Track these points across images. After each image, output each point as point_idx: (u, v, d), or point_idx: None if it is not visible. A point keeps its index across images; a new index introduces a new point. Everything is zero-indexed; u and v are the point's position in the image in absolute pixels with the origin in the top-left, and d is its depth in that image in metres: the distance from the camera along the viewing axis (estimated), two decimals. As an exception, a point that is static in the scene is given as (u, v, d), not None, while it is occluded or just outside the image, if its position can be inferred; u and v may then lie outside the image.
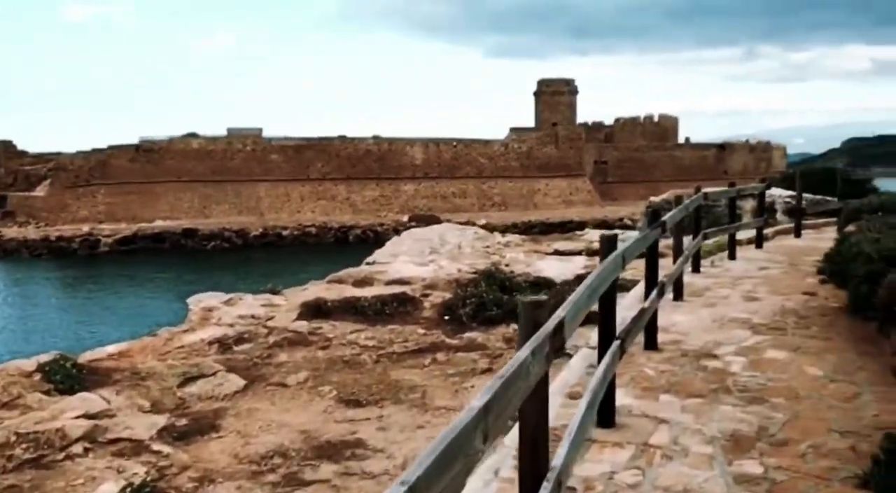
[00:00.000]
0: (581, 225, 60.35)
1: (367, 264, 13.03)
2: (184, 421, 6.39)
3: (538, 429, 2.90)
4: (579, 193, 68.11)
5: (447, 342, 10.22)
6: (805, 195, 19.19)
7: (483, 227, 62.33)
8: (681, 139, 79.51)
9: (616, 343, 4.77)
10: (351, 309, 10.45)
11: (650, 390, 5.77)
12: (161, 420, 6.29)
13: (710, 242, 12.44)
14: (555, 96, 68.18)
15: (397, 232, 56.23)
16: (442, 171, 64.08)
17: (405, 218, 58.22)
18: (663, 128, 78.30)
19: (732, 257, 12.27)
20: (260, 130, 62.15)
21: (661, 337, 7.16)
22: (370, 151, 62.86)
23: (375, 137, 64.05)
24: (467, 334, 10.56)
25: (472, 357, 9.82)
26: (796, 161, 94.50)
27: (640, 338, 6.77)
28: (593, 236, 13.89)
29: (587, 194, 68.55)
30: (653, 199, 22.95)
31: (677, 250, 8.67)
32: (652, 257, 6.74)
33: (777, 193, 18.09)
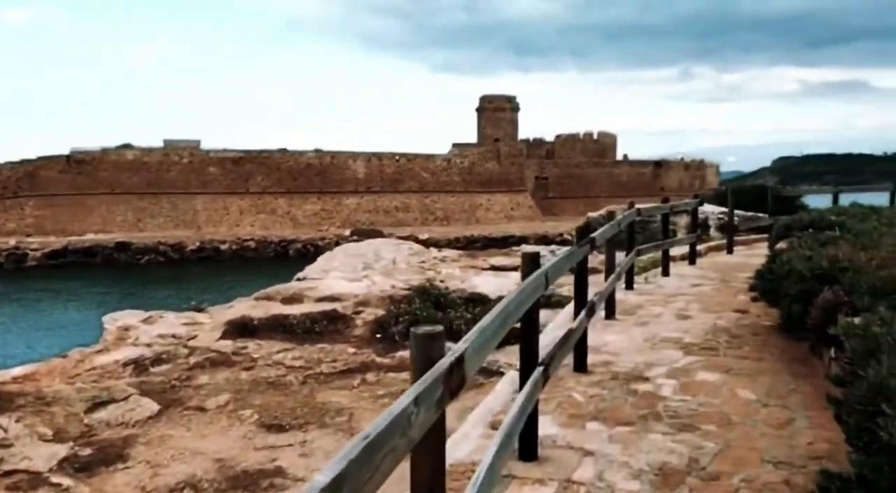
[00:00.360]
0: (522, 240, 60.83)
1: (298, 279, 12.68)
2: (88, 451, 5.97)
3: (433, 487, 2.52)
4: (520, 208, 68.62)
5: (378, 362, 9.98)
6: (737, 212, 19.58)
7: (425, 241, 62.28)
8: (619, 156, 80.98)
9: (539, 370, 4.50)
10: (279, 327, 10.10)
11: (577, 418, 5.53)
12: (63, 450, 5.87)
13: (644, 257, 12.49)
14: (497, 113, 68.68)
15: (339, 246, 55.34)
16: (384, 185, 63.79)
17: (347, 232, 57.66)
18: (602, 145, 79.66)
19: (666, 273, 12.28)
20: (198, 141, 60.85)
21: (591, 358, 6.99)
22: (312, 164, 62.17)
23: (317, 151, 63.40)
24: (399, 353, 10.33)
25: (403, 377, 9.58)
26: (729, 178, 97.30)
27: (570, 359, 6.59)
28: (529, 251, 13.85)
29: (528, 209, 69.12)
30: (591, 214, 23.11)
31: (609, 267, 8.59)
32: (581, 275, 6.59)
33: (710, 210, 18.38)
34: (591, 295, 7.10)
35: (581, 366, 6.75)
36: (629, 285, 10.90)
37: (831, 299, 5.65)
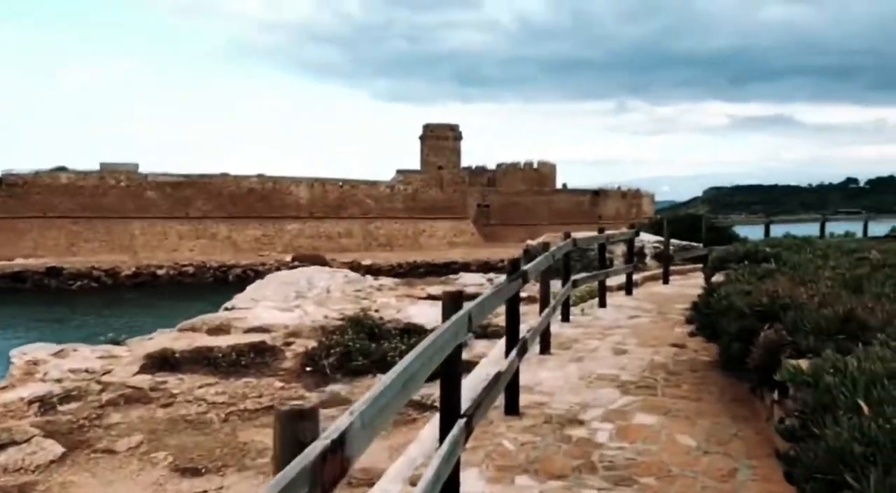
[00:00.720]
0: (464, 266, 60.88)
1: (227, 309, 12.25)
2: (-22, 500, 5.51)
3: None
4: (463, 235, 68.79)
5: (307, 397, 9.63)
6: (672, 241, 19.83)
7: (368, 267, 61.63)
8: (559, 185, 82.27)
9: (460, 424, 4.06)
10: (202, 360, 9.67)
11: (507, 471, 5.13)
12: (-51, 500, 5.39)
13: (581, 287, 12.39)
14: (440, 141, 69.03)
15: (271, 274, 54.34)
16: (327, 211, 63.20)
17: (288, 257, 56.79)
18: (542, 174, 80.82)
19: (603, 304, 12.21)
20: (136, 165, 59.43)
21: (524, 398, 6.69)
22: (254, 189, 61.27)
23: (260, 175, 62.55)
24: (330, 387, 10.00)
25: (332, 414, 9.26)
26: (663, 207, 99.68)
27: (501, 400, 6.24)
28: (468, 280, 13.68)
29: (470, 236, 69.33)
30: (529, 242, 23.17)
31: (544, 300, 8.43)
32: (512, 311, 6.39)
33: (646, 239, 18.56)
34: (523, 331, 6.88)
35: (513, 408, 6.40)
36: (565, 317, 10.77)
37: (774, 340, 5.47)
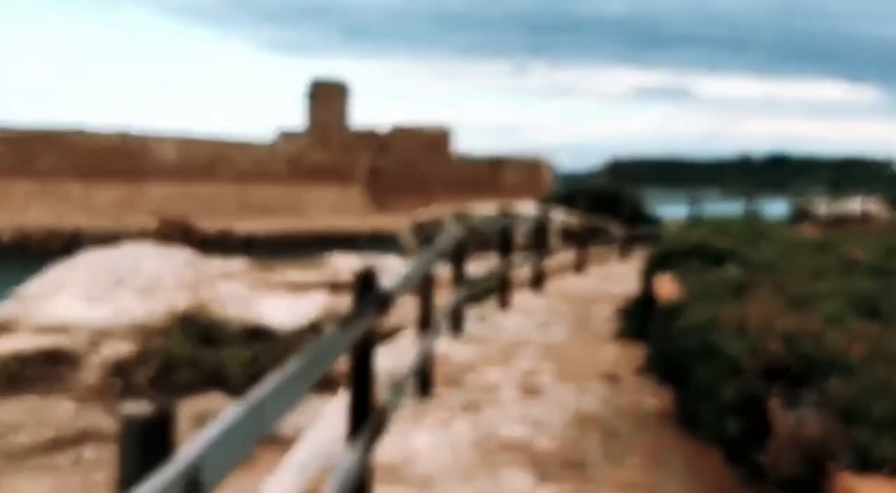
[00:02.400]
0: (353, 237, 57.74)
1: (14, 299, 8.96)
2: None
3: None
4: (351, 202, 65.40)
5: (105, 426, 7.08)
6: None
7: (245, 238, 57.53)
8: (456, 149, 79.52)
9: None
10: (-38, 374, 6.67)
11: None
12: None
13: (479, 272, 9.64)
14: (328, 99, 65.13)
15: (144, 239, 49.89)
16: (198, 172, 58.03)
17: (153, 223, 51.88)
18: (437, 139, 77.75)
19: (505, 305, 9.53)
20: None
21: (383, 493, 3.93)
22: (114, 145, 55.38)
23: (121, 131, 56.70)
24: (141, 413, 7.08)
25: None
26: (564, 177, 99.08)
27: None
28: (341, 264, 10.84)
29: (359, 204, 66.04)
30: (420, 213, 20.50)
31: (424, 320, 5.66)
32: (360, 369, 3.50)
33: (552, 216, 16.16)
34: (383, 392, 4.27)
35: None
36: (457, 327, 8.03)
37: (819, 439, 2.98)
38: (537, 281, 10.90)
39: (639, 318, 7.62)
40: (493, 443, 4.99)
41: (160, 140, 57.16)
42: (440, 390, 6.05)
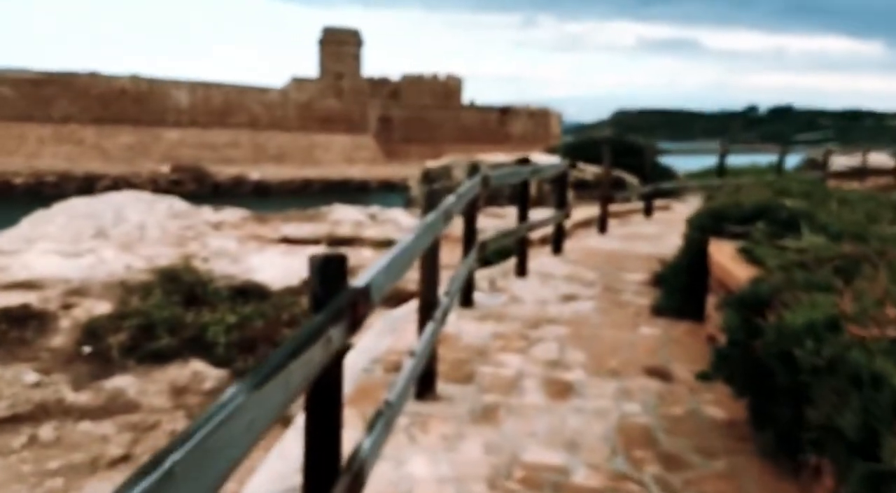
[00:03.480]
0: (363, 185, 57.15)
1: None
2: None
3: None
4: (362, 150, 64.63)
5: (69, 401, 6.45)
6: (593, 170, 16.98)
7: (257, 184, 57.00)
8: (465, 101, 78.23)
9: None
10: None
11: None
12: None
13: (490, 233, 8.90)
14: (340, 47, 63.82)
15: (157, 185, 49.40)
16: (212, 118, 57.37)
17: (166, 168, 51.57)
18: (448, 88, 76.38)
19: (523, 271, 8.51)
20: (-14, 56, 51.90)
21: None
22: (127, 90, 54.65)
23: (134, 76, 55.96)
24: (113, 381, 6.80)
25: (102, 432, 6.04)
26: (570, 128, 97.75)
27: None
28: (340, 216, 10.33)
29: (370, 152, 65.27)
30: (430, 163, 19.93)
31: (427, 303, 4.59)
32: (317, 408, 2.56)
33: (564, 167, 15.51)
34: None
35: None
36: (467, 301, 7.06)
37: None
38: (557, 243, 9.88)
39: (684, 291, 6.74)
40: (515, 475, 3.74)
41: (173, 85, 56.41)
42: (445, 386, 4.93)
